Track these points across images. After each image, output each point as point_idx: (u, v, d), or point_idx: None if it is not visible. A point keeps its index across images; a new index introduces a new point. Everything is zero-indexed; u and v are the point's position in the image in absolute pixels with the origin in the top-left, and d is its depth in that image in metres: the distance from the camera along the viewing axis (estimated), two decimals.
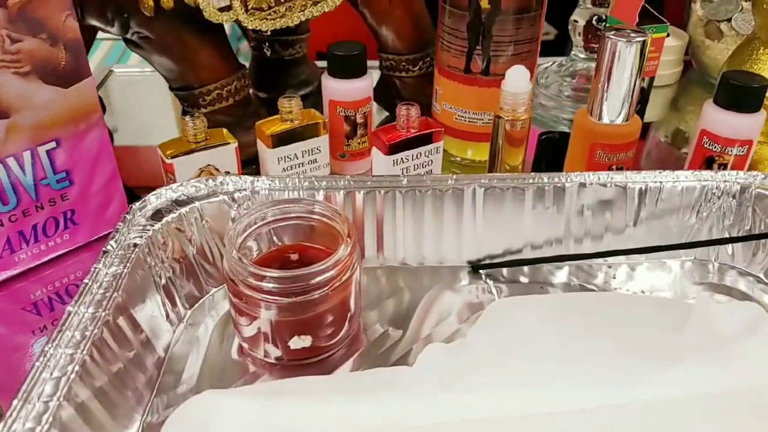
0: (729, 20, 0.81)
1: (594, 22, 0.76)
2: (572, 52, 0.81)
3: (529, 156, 0.67)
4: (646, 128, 0.81)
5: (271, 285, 0.41)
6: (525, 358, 0.43)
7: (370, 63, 0.74)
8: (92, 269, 0.42)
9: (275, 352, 0.44)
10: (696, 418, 0.39)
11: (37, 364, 0.36)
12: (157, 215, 0.48)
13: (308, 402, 0.40)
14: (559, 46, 0.82)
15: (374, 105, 0.77)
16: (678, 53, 0.88)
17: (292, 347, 0.44)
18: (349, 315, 0.46)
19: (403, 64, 0.72)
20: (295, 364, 0.45)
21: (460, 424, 0.39)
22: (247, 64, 0.68)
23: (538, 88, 0.82)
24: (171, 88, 0.63)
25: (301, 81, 0.81)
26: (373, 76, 0.75)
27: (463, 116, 0.66)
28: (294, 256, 0.47)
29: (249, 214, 0.46)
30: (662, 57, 0.85)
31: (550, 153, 0.66)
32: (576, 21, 0.77)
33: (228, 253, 0.42)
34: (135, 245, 0.44)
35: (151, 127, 0.79)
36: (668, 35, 0.86)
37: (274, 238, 0.48)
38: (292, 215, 0.47)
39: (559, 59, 0.84)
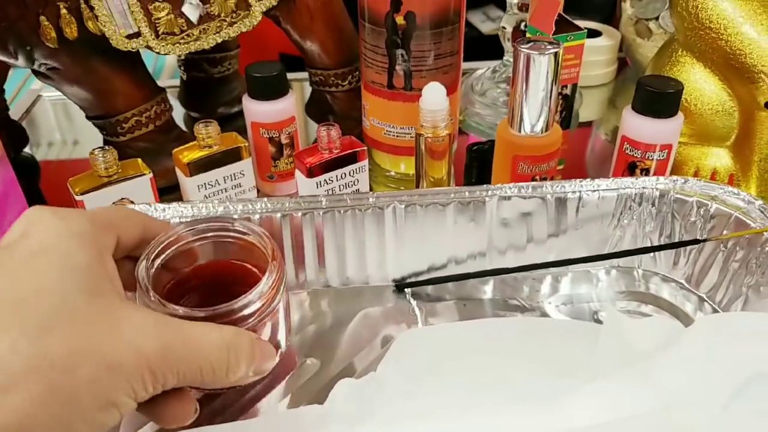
0: (657, 18, 0.81)
1: (522, 27, 0.76)
2: (504, 58, 0.81)
3: (459, 166, 0.66)
4: (588, 126, 0.82)
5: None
6: (436, 391, 0.42)
7: (302, 75, 0.74)
8: None
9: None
10: None
11: None
12: None
13: None
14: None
15: (307, 120, 0.77)
16: (612, 52, 0.88)
17: None
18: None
19: (332, 78, 0.72)
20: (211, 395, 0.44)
21: None
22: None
23: (473, 95, 0.81)
24: (87, 117, 0.62)
25: (234, 98, 0.79)
26: (307, 90, 0.75)
27: (391, 131, 0.65)
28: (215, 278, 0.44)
29: (158, 243, 0.41)
30: (596, 56, 0.86)
31: (480, 164, 0.65)
32: (504, 27, 0.77)
33: (141, 297, 0.38)
34: None
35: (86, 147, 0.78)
36: (599, 34, 0.86)
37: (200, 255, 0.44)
38: (209, 235, 0.43)
39: (493, 64, 0.84)
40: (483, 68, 0.85)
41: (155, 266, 0.40)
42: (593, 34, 0.89)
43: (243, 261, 0.44)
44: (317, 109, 0.76)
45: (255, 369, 0.36)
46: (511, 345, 0.45)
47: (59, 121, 0.85)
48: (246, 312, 0.38)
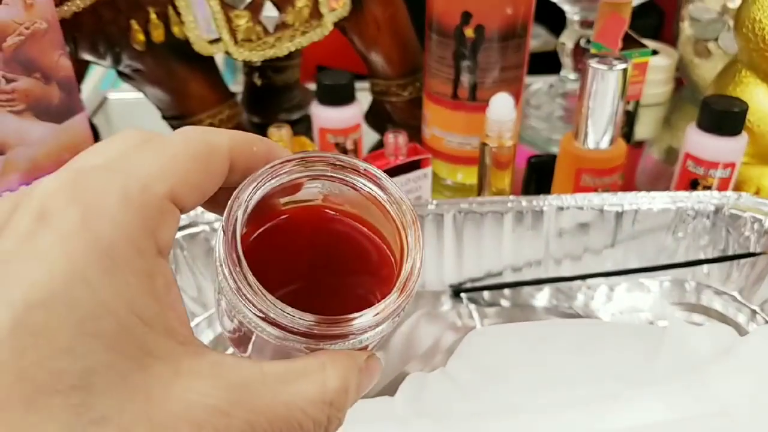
0: (716, 39, 0.82)
1: (582, 44, 0.78)
2: (561, 73, 0.82)
3: (518, 178, 0.68)
4: (640, 144, 0.83)
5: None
6: (503, 388, 0.44)
7: (362, 84, 0.76)
8: None
9: None
10: None
11: None
12: None
13: None
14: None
15: (366, 128, 0.79)
16: (669, 71, 0.89)
17: None
18: None
19: (393, 88, 0.74)
20: None
21: None
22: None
23: (528, 109, 0.83)
24: (164, 117, 0.66)
25: (294, 105, 0.82)
26: (366, 99, 0.78)
27: (452, 141, 0.67)
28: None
29: (257, 183, 0.24)
30: (653, 75, 0.87)
31: (540, 176, 0.67)
32: (564, 43, 0.79)
33: (226, 267, 0.23)
34: None
35: None
36: (655, 53, 0.87)
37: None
38: (329, 174, 0.26)
39: (549, 80, 0.86)
40: (539, 83, 0.87)
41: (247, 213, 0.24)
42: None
43: (363, 222, 0.27)
44: (376, 118, 0.79)
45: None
46: (575, 347, 0.47)
47: (126, 124, 0.89)
48: (368, 329, 0.24)
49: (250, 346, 0.26)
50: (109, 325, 0.19)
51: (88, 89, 0.91)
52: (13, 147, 0.49)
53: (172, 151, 0.22)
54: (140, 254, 0.20)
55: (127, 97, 0.90)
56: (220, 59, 0.88)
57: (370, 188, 0.26)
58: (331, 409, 0.23)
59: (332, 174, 0.26)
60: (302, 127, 0.80)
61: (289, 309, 0.22)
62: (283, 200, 0.27)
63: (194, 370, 0.20)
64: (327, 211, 0.27)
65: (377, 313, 0.23)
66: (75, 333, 0.18)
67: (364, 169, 0.26)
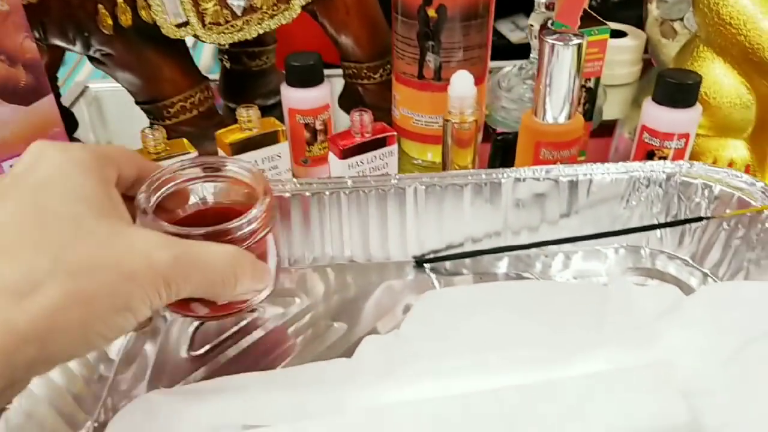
0: (682, 19, 0.84)
1: (549, 25, 0.79)
2: (531, 56, 0.84)
3: (485, 155, 0.70)
4: (612, 125, 0.85)
5: None
6: (456, 347, 0.45)
7: (337, 71, 0.78)
8: None
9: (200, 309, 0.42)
10: (619, 389, 0.41)
11: None
12: None
13: (250, 396, 0.42)
14: None
15: (340, 111, 0.81)
16: (637, 52, 0.91)
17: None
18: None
19: (365, 71, 0.76)
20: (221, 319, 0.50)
21: (397, 409, 0.40)
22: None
23: (500, 91, 0.84)
24: (136, 102, 0.67)
25: (270, 90, 0.84)
26: (340, 83, 0.80)
27: (419, 120, 0.69)
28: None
29: (156, 179, 0.41)
30: (622, 56, 0.89)
31: (504, 152, 0.69)
32: (532, 25, 0.80)
33: (141, 221, 0.38)
34: None
35: (131, 138, 0.82)
36: (624, 34, 0.89)
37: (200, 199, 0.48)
38: (203, 175, 0.43)
39: (519, 62, 0.87)
40: (510, 66, 0.89)
41: (152, 201, 0.40)
42: (619, 34, 0.91)
43: (237, 203, 0.44)
44: (349, 101, 0.80)
45: (255, 285, 0.40)
46: (525, 305, 0.48)
47: (106, 113, 0.90)
48: (240, 233, 0.39)
49: None
50: (89, 197, 0.34)
51: (68, 78, 0.93)
52: None
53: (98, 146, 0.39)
54: (100, 173, 0.35)
55: (107, 87, 0.92)
56: (209, 46, 0.89)
57: (233, 171, 0.43)
58: (235, 267, 0.37)
59: (204, 175, 0.43)
60: (278, 111, 0.81)
61: (185, 228, 0.37)
62: (179, 210, 0.44)
63: (142, 229, 0.35)
64: (219, 203, 0.47)
65: (248, 219, 0.39)
66: (69, 197, 0.33)
67: (220, 160, 0.43)
